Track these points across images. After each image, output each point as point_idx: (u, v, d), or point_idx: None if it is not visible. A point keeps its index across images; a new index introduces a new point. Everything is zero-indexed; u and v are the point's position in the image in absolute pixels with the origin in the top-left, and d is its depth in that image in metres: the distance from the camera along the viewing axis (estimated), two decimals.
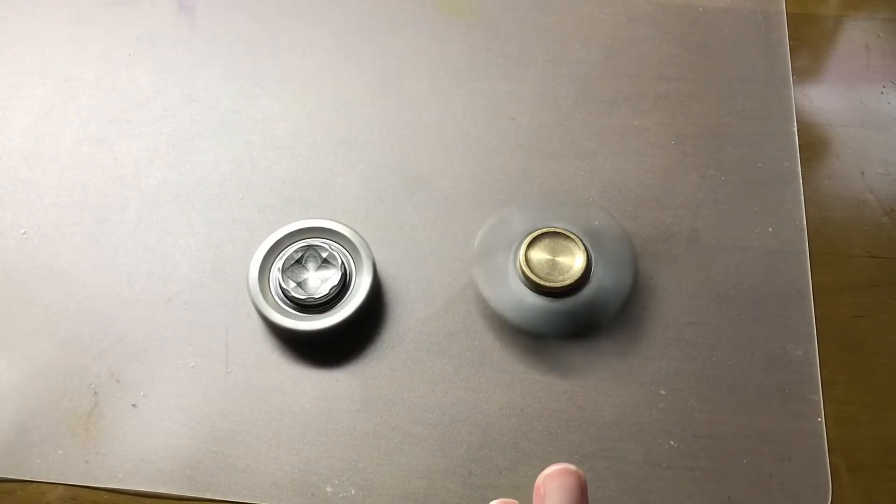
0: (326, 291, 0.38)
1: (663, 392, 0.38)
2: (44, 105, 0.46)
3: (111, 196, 0.43)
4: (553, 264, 0.38)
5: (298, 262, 0.39)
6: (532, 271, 0.38)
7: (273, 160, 0.44)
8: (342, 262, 0.39)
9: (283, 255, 0.39)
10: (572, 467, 0.35)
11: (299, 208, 0.43)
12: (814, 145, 0.45)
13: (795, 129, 0.45)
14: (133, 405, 0.38)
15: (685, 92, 0.46)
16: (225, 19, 0.50)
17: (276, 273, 0.39)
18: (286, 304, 0.38)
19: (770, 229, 0.42)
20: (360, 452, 0.37)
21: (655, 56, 0.48)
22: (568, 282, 0.38)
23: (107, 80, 0.47)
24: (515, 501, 0.34)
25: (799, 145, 0.45)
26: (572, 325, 0.39)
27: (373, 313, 0.40)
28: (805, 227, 0.42)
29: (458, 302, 0.40)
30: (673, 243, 0.42)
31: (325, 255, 0.39)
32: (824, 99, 0.47)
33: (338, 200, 0.43)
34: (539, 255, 0.39)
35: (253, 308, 0.39)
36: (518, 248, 0.39)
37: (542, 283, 0.38)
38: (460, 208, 0.43)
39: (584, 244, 0.39)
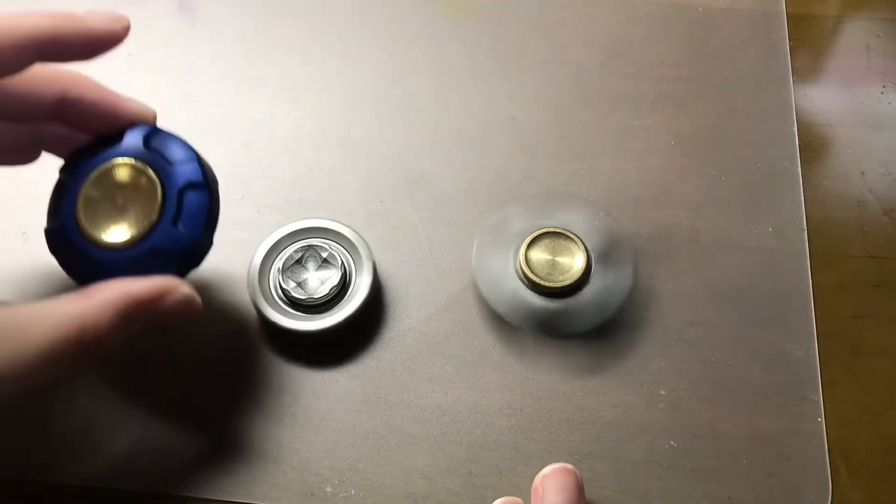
0: (326, 291, 0.38)
1: (663, 392, 0.38)
2: None
3: None
4: (553, 264, 0.38)
5: (298, 262, 0.39)
6: (532, 271, 0.38)
7: (273, 160, 0.44)
8: (342, 263, 0.39)
9: (283, 255, 0.39)
10: (569, 467, 0.35)
11: (299, 208, 0.43)
12: (814, 145, 0.45)
13: (795, 129, 0.45)
14: None
15: (685, 92, 0.46)
16: (225, 19, 0.50)
17: (276, 273, 0.39)
18: (286, 304, 0.38)
19: (770, 229, 0.42)
20: (360, 452, 0.37)
21: (655, 56, 0.48)
22: (568, 282, 0.38)
23: (107, 80, 0.47)
24: (519, 500, 0.34)
25: (799, 145, 0.45)
26: (572, 325, 0.39)
27: (373, 313, 0.40)
28: (805, 227, 0.42)
29: (458, 302, 0.40)
30: (673, 243, 0.42)
31: (325, 255, 0.39)
32: (824, 99, 0.47)
33: (338, 200, 0.43)
34: (539, 255, 0.39)
35: (253, 308, 0.39)
36: (518, 248, 0.39)
37: (542, 283, 0.38)
38: (460, 208, 0.43)
39: (584, 244, 0.39)
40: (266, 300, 0.38)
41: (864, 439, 0.37)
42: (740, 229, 0.42)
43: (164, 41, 0.49)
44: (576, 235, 0.39)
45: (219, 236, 0.42)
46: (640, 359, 0.39)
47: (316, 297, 0.38)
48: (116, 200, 0.32)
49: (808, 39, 0.49)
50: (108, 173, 0.32)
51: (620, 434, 0.37)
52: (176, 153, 0.33)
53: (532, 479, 0.36)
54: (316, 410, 0.38)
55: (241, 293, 0.40)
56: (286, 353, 0.39)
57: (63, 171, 0.34)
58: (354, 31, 0.49)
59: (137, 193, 0.32)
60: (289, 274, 0.38)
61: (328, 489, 0.36)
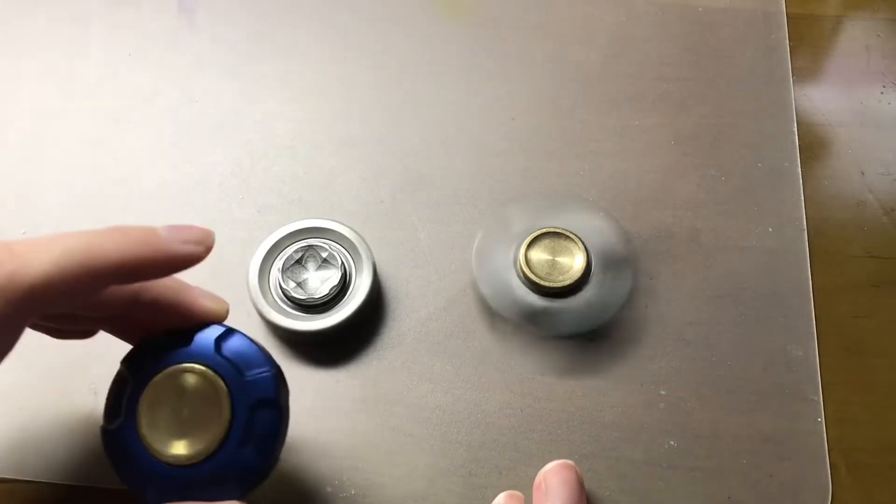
0: (326, 291, 0.38)
1: (663, 392, 0.38)
2: (44, 105, 0.46)
3: (111, 196, 0.43)
4: (553, 264, 0.38)
5: (298, 262, 0.39)
6: (532, 271, 0.38)
7: (273, 160, 0.44)
8: (342, 262, 0.39)
9: (283, 255, 0.39)
10: (570, 463, 0.35)
11: (299, 208, 0.43)
12: (814, 145, 0.45)
13: (795, 129, 0.45)
14: None
15: (685, 92, 0.46)
16: (225, 19, 0.50)
17: (276, 273, 0.39)
18: (286, 304, 0.38)
19: (770, 229, 0.42)
20: (360, 452, 0.37)
21: (655, 56, 0.48)
22: (568, 282, 0.38)
23: (107, 80, 0.47)
24: (520, 494, 0.34)
25: (799, 145, 0.45)
26: (572, 325, 0.39)
27: (373, 313, 0.40)
28: (805, 227, 0.42)
29: (458, 302, 0.40)
30: (673, 243, 0.42)
31: (325, 255, 0.39)
32: (824, 99, 0.47)
33: (338, 200, 0.43)
34: (539, 255, 0.39)
35: (253, 308, 0.39)
36: (518, 248, 0.39)
37: (542, 283, 0.38)
38: (460, 208, 0.43)
39: (584, 244, 0.39)
40: (266, 300, 0.38)
41: (864, 439, 0.37)
42: (740, 229, 0.42)
43: (164, 41, 0.49)
44: (576, 235, 0.39)
45: (219, 236, 0.42)
46: (640, 359, 0.39)
47: (316, 297, 0.38)
48: (181, 410, 0.29)
49: (808, 39, 0.49)
50: (175, 378, 0.29)
51: (620, 434, 0.37)
52: (249, 362, 0.30)
53: (532, 479, 0.36)
54: (316, 410, 0.38)
55: (241, 293, 0.40)
56: (286, 353, 0.39)
57: (125, 366, 0.31)
58: (354, 31, 0.49)
59: (205, 405, 0.29)
60: (289, 274, 0.38)
61: (328, 489, 0.36)
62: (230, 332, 0.31)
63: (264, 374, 0.30)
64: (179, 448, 0.28)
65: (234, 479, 0.28)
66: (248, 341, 0.31)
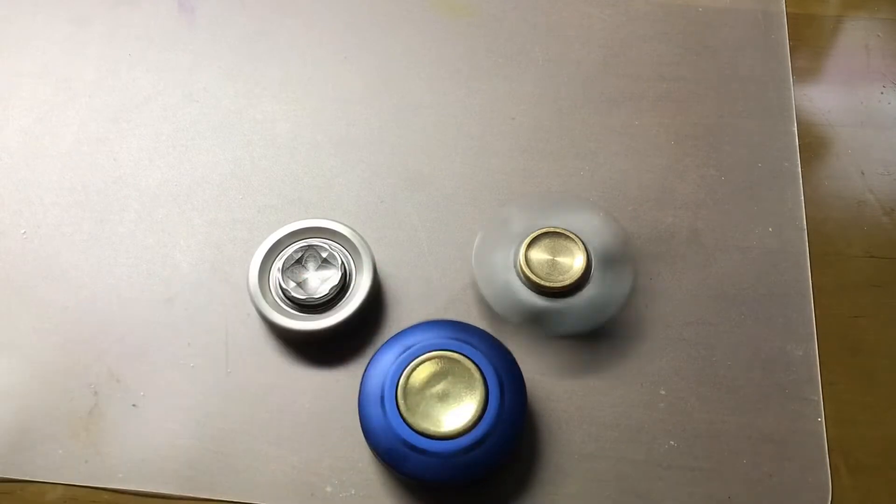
0: (326, 291, 0.38)
1: (663, 392, 0.38)
2: (44, 105, 0.46)
3: (111, 196, 0.43)
4: (553, 264, 0.38)
5: (298, 262, 0.39)
6: (532, 271, 0.38)
7: (273, 160, 0.44)
8: (342, 262, 0.39)
9: (283, 255, 0.39)
10: None
11: (299, 208, 0.43)
12: (814, 145, 0.45)
13: (795, 129, 0.45)
14: (133, 405, 0.38)
15: (685, 92, 0.46)
16: (225, 20, 0.50)
17: (276, 273, 0.39)
18: (286, 304, 0.38)
19: (770, 229, 0.42)
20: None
21: (655, 56, 0.48)
22: (568, 282, 0.38)
23: (107, 80, 0.47)
24: None
25: (799, 145, 0.45)
26: (572, 325, 0.38)
27: (373, 313, 0.40)
28: (805, 227, 0.42)
29: (458, 302, 0.40)
30: (673, 243, 0.42)
31: (325, 255, 0.39)
32: (824, 99, 0.47)
33: (338, 200, 0.43)
34: (539, 255, 0.39)
35: (253, 308, 0.39)
36: (518, 248, 0.39)
37: (542, 283, 0.38)
38: (460, 208, 0.43)
39: (584, 244, 0.39)
40: (266, 300, 0.38)
41: (864, 439, 0.37)
42: (740, 229, 0.42)
43: (164, 41, 0.49)
44: (576, 235, 0.39)
45: (219, 236, 0.42)
46: (640, 359, 0.39)
47: (316, 296, 0.38)
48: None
49: (808, 39, 0.49)
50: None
51: (620, 434, 0.37)
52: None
53: (531, 480, 0.36)
54: (316, 410, 0.38)
55: (241, 293, 0.40)
56: (286, 353, 0.39)
57: None
58: (354, 32, 0.49)
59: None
60: (289, 274, 0.38)
61: (328, 489, 0.36)
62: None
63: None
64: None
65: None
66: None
